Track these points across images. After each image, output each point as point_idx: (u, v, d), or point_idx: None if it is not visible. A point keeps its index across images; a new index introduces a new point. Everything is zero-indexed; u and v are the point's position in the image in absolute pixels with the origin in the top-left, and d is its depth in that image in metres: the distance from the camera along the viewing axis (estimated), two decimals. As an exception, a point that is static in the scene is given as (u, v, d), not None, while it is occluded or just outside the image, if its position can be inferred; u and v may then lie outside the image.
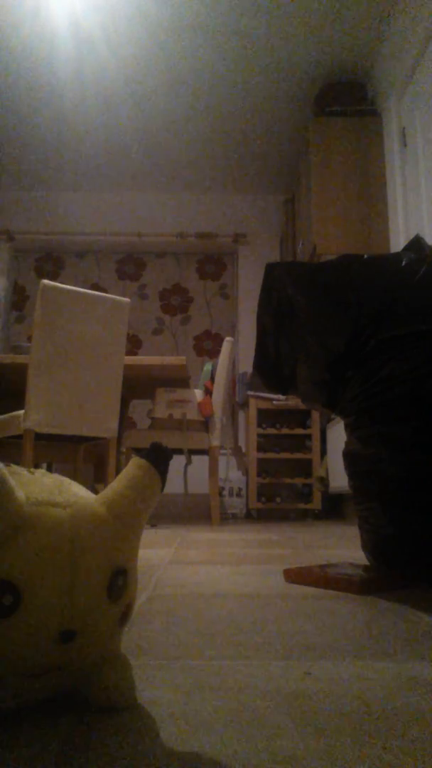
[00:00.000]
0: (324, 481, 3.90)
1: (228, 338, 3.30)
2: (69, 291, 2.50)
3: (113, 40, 3.45)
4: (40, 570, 0.38)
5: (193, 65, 3.66)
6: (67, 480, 0.48)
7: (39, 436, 2.56)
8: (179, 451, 3.12)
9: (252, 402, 4.15)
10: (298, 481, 4.10)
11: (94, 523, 0.42)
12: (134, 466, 0.46)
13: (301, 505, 4.05)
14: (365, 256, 1.06)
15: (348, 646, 0.63)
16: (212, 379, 3.24)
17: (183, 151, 4.59)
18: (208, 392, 3.19)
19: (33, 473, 0.47)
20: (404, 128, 3.19)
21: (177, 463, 3.97)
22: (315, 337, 1.11)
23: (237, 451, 3.79)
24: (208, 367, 3.32)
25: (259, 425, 4.15)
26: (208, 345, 5.18)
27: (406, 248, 1.07)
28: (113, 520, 0.43)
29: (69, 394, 2.50)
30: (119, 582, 0.42)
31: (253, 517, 4.17)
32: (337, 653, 0.60)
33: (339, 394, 1.13)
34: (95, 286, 5.19)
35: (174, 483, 3.69)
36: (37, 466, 3.02)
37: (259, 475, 4.08)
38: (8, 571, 0.37)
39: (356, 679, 0.52)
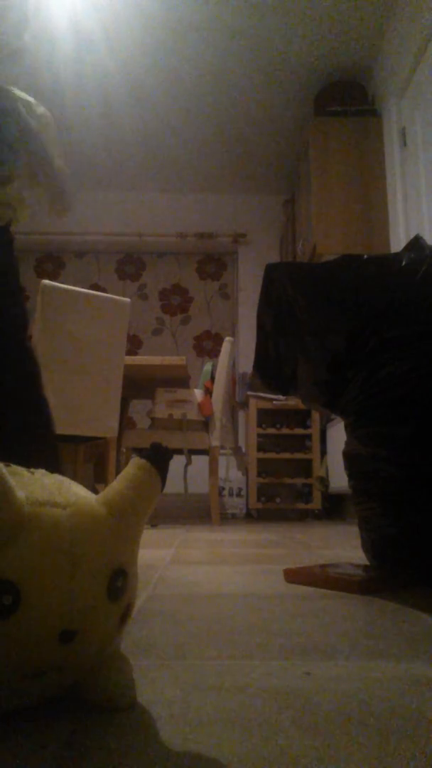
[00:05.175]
0: (324, 481, 3.90)
1: (228, 338, 3.29)
2: (69, 291, 2.50)
3: (113, 40, 3.44)
4: (40, 570, 0.38)
5: (193, 65, 3.66)
6: (67, 480, 0.48)
7: (39, 436, 2.55)
8: (179, 451, 3.12)
9: (252, 402, 4.15)
10: (298, 481, 4.10)
11: (94, 524, 0.42)
12: (134, 466, 0.46)
13: (301, 505, 4.05)
14: (365, 257, 1.06)
15: (348, 646, 0.63)
16: (212, 379, 3.24)
17: (183, 151, 4.59)
18: (208, 392, 3.19)
19: (33, 473, 0.47)
20: (404, 128, 3.18)
21: (177, 463, 3.96)
22: (315, 337, 1.11)
23: (237, 451, 3.79)
24: (208, 367, 3.32)
25: (259, 425, 4.14)
26: (208, 345, 5.18)
27: (406, 248, 1.07)
28: (113, 520, 0.43)
29: (69, 394, 2.49)
30: (119, 582, 0.42)
31: (253, 517, 4.17)
32: (337, 653, 0.60)
33: (339, 395, 1.13)
34: (95, 286, 5.19)
35: (174, 483, 3.69)
36: (37, 466, 3.01)
37: (259, 475, 4.07)
38: (8, 571, 0.37)
39: (356, 679, 0.52)
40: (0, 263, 1.35)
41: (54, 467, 1.31)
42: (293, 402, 4.07)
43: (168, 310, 5.23)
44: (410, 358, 0.99)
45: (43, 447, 1.33)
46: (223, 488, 4.35)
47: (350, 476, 1.15)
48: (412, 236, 2.44)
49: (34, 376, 1.36)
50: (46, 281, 2.44)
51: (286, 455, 4.09)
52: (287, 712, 0.43)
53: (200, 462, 4.06)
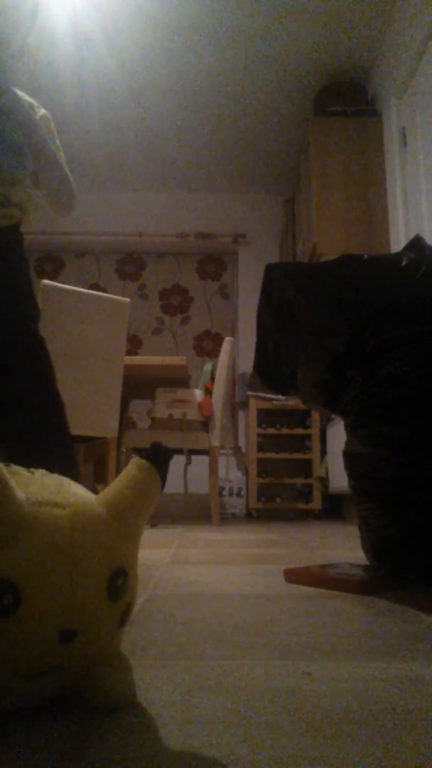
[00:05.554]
0: (324, 481, 3.90)
1: (228, 338, 3.29)
2: (69, 291, 2.50)
3: (113, 40, 3.44)
4: (40, 570, 0.38)
5: (194, 65, 3.65)
6: (67, 480, 0.48)
7: (39, 436, 2.55)
8: (179, 451, 3.12)
9: (252, 402, 4.15)
10: (298, 481, 4.10)
11: (94, 523, 0.42)
12: (134, 466, 0.46)
13: (301, 505, 4.05)
14: (365, 256, 1.06)
15: (348, 646, 0.63)
16: (212, 379, 3.24)
17: (183, 151, 4.59)
18: (208, 392, 3.19)
19: (33, 473, 0.47)
20: (404, 128, 3.18)
21: (177, 463, 3.96)
22: (315, 337, 1.11)
23: (237, 451, 3.79)
24: (208, 367, 3.32)
25: (259, 425, 4.14)
26: (208, 345, 5.18)
27: (406, 248, 1.07)
28: (113, 520, 0.43)
29: (69, 394, 2.49)
30: (119, 582, 0.42)
31: (253, 517, 4.17)
32: (337, 653, 0.60)
33: (339, 395, 1.13)
34: (95, 286, 5.19)
35: (174, 483, 3.69)
36: (37, 466, 3.00)
37: (259, 475, 4.07)
38: (8, 571, 0.37)
39: (356, 679, 0.52)
40: (13, 259, 1.37)
41: (70, 466, 1.32)
42: (293, 402, 4.07)
43: (168, 310, 5.23)
44: (410, 358, 0.99)
45: (59, 447, 1.34)
46: (223, 488, 4.34)
47: (350, 476, 1.15)
48: (412, 236, 2.44)
49: (47, 374, 1.40)
50: (46, 281, 2.44)
51: (286, 455, 4.09)
52: (287, 712, 0.43)
53: (200, 462, 4.06)
